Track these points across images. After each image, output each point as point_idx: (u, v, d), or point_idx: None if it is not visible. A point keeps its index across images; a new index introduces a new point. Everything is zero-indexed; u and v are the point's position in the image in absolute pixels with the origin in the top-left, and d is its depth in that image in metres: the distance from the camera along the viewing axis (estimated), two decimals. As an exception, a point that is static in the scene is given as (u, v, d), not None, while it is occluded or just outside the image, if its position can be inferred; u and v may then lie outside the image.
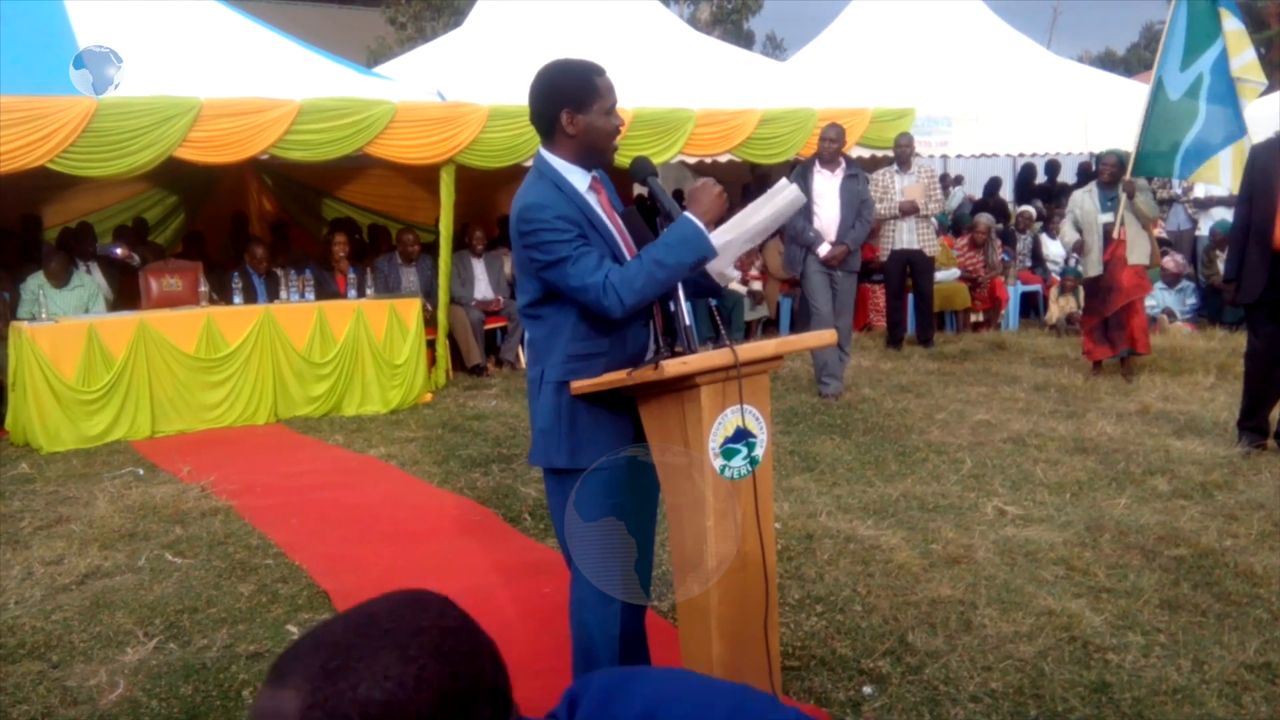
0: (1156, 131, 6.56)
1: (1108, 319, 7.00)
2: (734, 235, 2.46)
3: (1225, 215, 9.37)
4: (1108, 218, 6.91)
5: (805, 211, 6.60)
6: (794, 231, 6.66)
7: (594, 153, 2.42)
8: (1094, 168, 11.02)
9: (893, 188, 8.22)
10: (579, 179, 2.42)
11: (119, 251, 7.92)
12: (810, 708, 2.80)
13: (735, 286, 8.93)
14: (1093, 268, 6.98)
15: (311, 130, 6.56)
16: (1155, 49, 6.75)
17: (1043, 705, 2.80)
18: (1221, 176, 6.48)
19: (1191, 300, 9.21)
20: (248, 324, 6.51)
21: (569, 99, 2.37)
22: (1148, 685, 2.89)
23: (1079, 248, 7.07)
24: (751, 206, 2.48)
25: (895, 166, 8.33)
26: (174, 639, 3.35)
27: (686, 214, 2.35)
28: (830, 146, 6.68)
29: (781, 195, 2.47)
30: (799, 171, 6.76)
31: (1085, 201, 7.04)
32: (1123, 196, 6.76)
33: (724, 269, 2.52)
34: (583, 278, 2.29)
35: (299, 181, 9.41)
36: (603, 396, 2.38)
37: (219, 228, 9.17)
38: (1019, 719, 2.74)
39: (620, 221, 2.49)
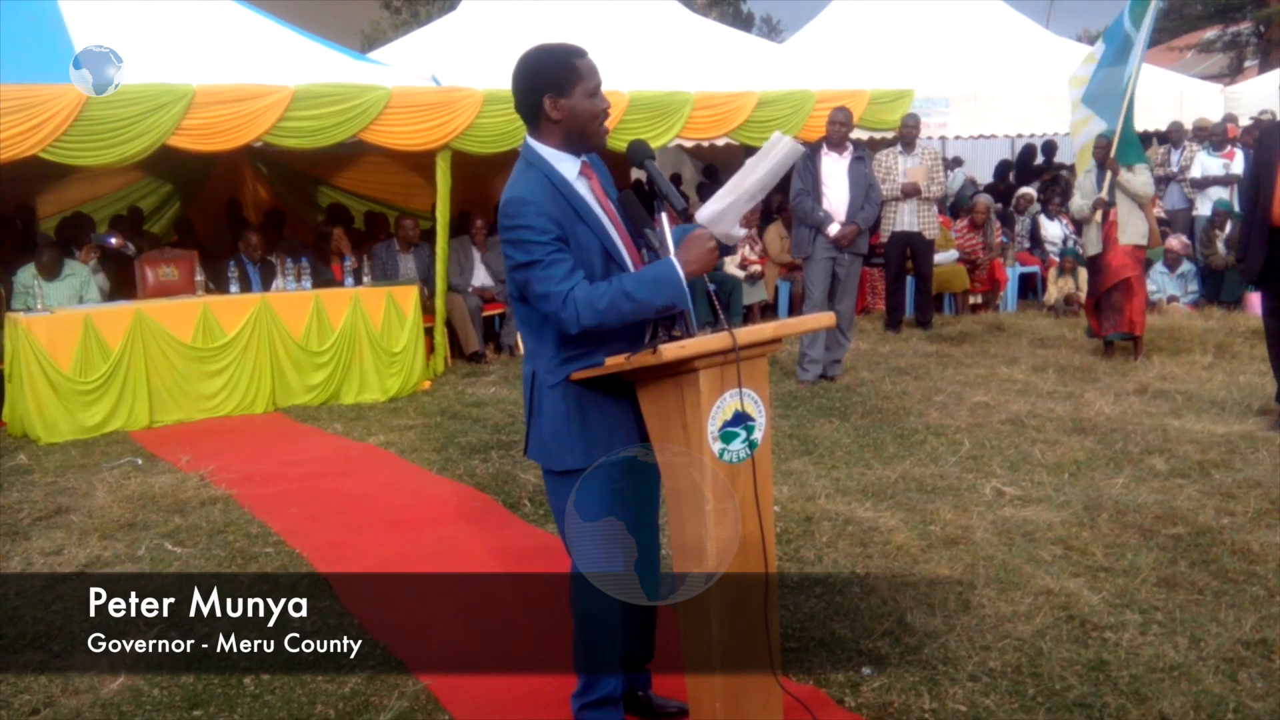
0: (1130, 121, 6.99)
1: (1099, 299, 7.02)
2: (733, 198, 2.40)
3: (1223, 195, 9.36)
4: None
5: (814, 193, 6.59)
6: (802, 213, 6.63)
7: (582, 136, 2.38)
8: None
9: (895, 169, 8.18)
10: (568, 166, 2.38)
11: (114, 241, 7.88)
12: (809, 689, 2.82)
13: (733, 270, 8.90)
14: (1091, 246, 7.04)
15: (305, 117, 6.52)
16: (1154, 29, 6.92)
17: (1041, 684, 2.82)
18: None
19: (1193, 287, 9.13)
20: (245, 313, 6.49)
21: (550, 84, 2.33)
22: (1145, 663, 2.90)
23: (1084, 219, 7.17)
24: (748, 165, 2.41)
25: (899, 147, 8.28)
26: (175, 627, 3.35)
27: (671, 258, 2.29)
28: (839, 130, 6.66)
29: (777, 149, 2.38)
30: (806, 154, 6.74)
31: (1085, 182, 7.16)
32: (1108, 175, 6.84)
33: (729, 229, 2.45)
34: (547, 285, 2.25)
35: (294, 169, 9.36)
36: (605, 387, 2.37)
37: (213, 216, 9.13)
38: (1017, 698, 2.76)
39: (613, 208, 2.46)
